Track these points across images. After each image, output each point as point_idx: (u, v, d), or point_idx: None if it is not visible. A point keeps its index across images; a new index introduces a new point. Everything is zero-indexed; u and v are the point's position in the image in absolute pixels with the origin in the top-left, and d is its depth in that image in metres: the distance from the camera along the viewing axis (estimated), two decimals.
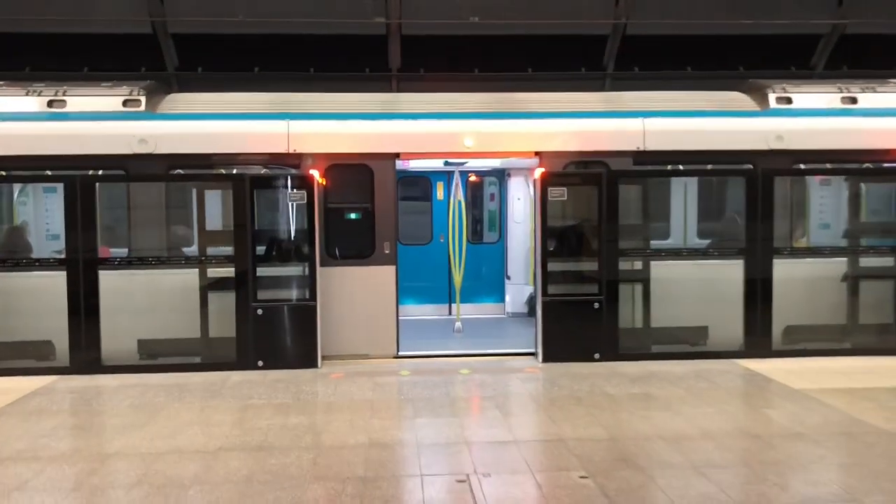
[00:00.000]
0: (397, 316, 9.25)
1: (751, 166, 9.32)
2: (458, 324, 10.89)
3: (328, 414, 6.73)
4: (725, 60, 13.73)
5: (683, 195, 10.53)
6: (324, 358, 8.76)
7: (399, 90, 13.04)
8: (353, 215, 9.30)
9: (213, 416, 6.72)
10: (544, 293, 8.72)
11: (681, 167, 9.59)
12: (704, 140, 9.34)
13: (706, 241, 10.06)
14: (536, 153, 9.24)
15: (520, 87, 12.33)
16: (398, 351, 9.21)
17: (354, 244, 9.26)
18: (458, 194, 11.27)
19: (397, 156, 9.26)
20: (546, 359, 8.71)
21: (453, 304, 11.66)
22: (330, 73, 12.99)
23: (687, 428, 6.22)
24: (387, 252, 9.16)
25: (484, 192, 13.11)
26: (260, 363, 8.47)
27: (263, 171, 9.08)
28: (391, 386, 7.74)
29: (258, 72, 13.08)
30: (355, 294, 9.08)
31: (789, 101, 9.68)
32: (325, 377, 8.16)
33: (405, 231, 11.70)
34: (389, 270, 9.19)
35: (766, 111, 9.64)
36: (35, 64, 12.36)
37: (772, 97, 9.72)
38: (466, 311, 11.79)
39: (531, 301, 11.03)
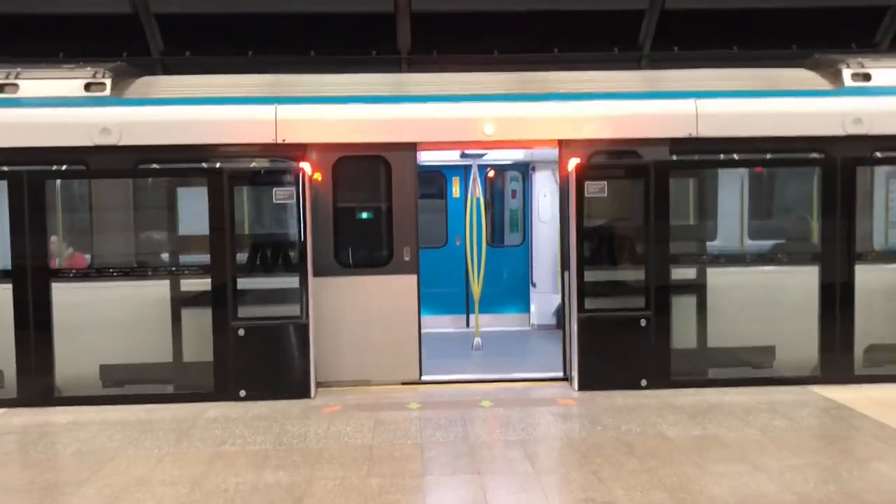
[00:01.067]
0: (419, 334, 7.85)
1: (821, 155, 7.87)
2: (476, 340, 9.49)
3: (314, 467, 5.34)
4: (775, 38, 12.22)
5: (740, 190, 9.11)
6: (324, 384, 7.49)
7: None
8: (364, 215, 8.01)
9: (172, 469, 5.36)
10: (581, 308, 7.29)
11: (735, 157, 8.12)
12: (768, 125, 7.86)
13: (769, 244, 8.63)
14: (560, 141, 7.81)
15: (544, 69, 10.90)
16: (421, 375, 7.83)
17: (369, 250, 7.97)
18: (477, 191, 9.87)
19: (416, 146, 7.87)
20: (583, 386, 7.29)
21: (471, 316, 10.27)
22: (332, 55, 11.61)
23: (776, 491, 4.78)
24: (406, 259, 7.77)
25: (506, 188, 11.71)
26: (242, 393, 7.12)
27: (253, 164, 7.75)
28: (396, 424, 6.34)
29: (252, 56, 11.73)
30: (369, 308, 7.73)
31: (867, 77, 8.17)
32: (318, 411, 6.78)
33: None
34: (410, 281, 7.79)
35: (840, 90, 8.15)
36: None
37: (846, 74, 8.21)
38: (486, 322, 10.40)
39: (559, 312, 9.62)
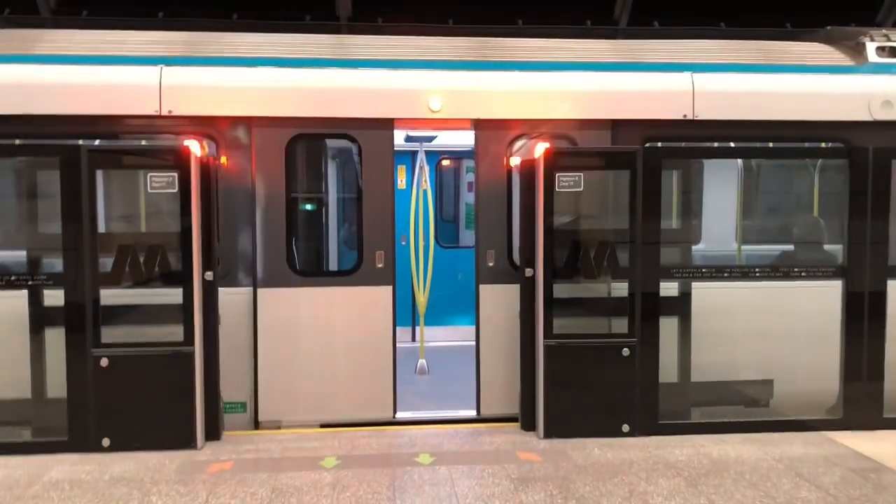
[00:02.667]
0: (394, 363, 6.21)
1: (843, 143, 6.42)
2: (421, 362, 7.90)
3: None
4: (768, 14, 10.78)
5: (739, 187, 7.68)
6: (267, 424, 6.00)
7: None
8: (308, 207, 6.55)
9: None
10: (547, 333, 5.72)
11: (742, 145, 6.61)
12: (778, 106, 6.38)
13: (769, 251, 7.21)
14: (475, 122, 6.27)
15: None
16: (395, 412, 6.25)
17: (330, 254, 6.50)
18: (425, 182, 8.27)
19: (392, 123, 6.24)
20: (550, 433, 5.73)
21: (418, 328, 8.68)
22: (258, 20, 9.83)
23: None
24: (380, 266, 6.15)
25: (461, 178, 10.13)
26: (106, 442, 5.42)
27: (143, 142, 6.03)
28: (299, 496, 4.70)
29: (163, 18, 9.90)
30: (331, 329, 6.13)
31: None
32: (201, 470, 5.10)
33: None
34: (384, 293, 6.17)
35: (862, 66, 6.70)
36: None
37: (871, 48, 6.77)
38: (436, 336, 8.85)
39: None
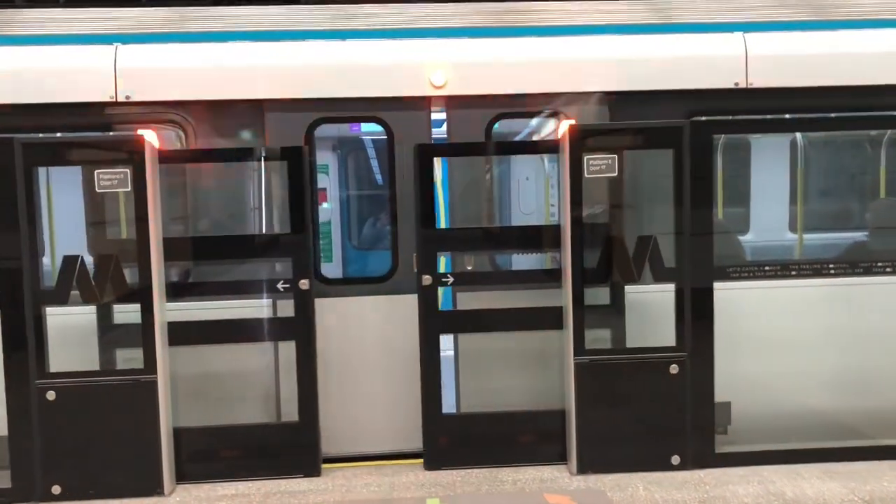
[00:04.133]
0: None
1: None
2: None
3: None
4: None
5: (798, 164, 6.69)
6: None
7: None
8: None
9: None
10: (578, 350, 4.75)
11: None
12: (850, 69, 5.33)
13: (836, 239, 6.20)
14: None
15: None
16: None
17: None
18: None
19: (429, 103, 5.28)
20: (584, 467, 4.76)
21: None
22: None
23: None
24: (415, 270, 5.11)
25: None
26: (56, 490, 4.57)
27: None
28: None
29: None
30: (363, 342, 5.25)
31: None
32: None
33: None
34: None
35: None
36: None
37: None
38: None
39: None
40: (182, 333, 4.80)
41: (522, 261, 5.90)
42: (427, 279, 4.87)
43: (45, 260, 5.27)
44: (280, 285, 4.88)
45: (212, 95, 5.11)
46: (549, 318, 4.94)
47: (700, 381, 4.78)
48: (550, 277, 4.99)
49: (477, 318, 5.03)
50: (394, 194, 5.25)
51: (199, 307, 4.95)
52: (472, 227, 5.31)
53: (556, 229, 4.95)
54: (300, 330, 4.86)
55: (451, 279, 4.98)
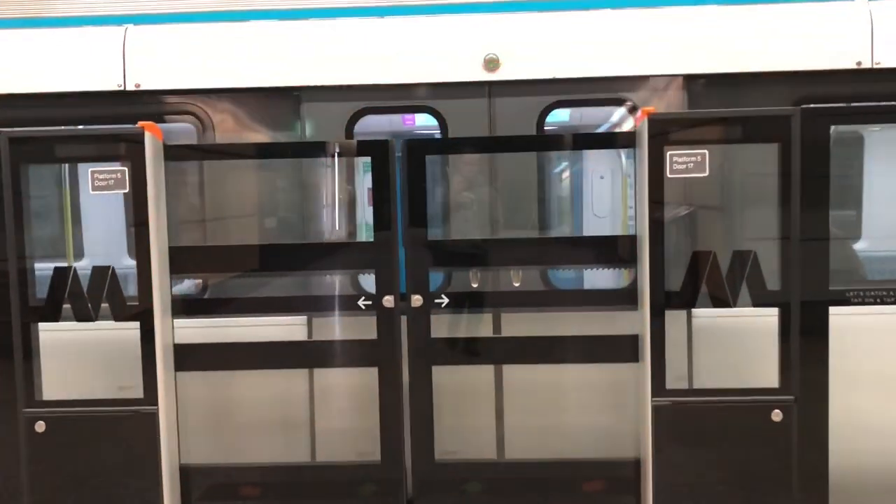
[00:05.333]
0: None
1: None
2: None
3: None
4: None
5: None
6: None
7: None
8: None
9: None
10: (657, 389, 3.87)
11: None
12: None
13: None
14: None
15: None
16: None
17: None
18: None
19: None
20: None
21: None
22: None
23: None
24: None
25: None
26: None
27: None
28: None
29: None
30: None
31: None
32: None
33: None
34: None
35: None
36: None
37: None
38: None
39: None
40: (218, 356, 4.17)
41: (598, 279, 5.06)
42: (417, 300, 4.06)
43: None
44: (361, 302, 4.16)
45: (237, 83, 4.47)
46: (612, 349, 4.09)
47: (812, 430, 3.83)
48: (609, 299, 4.14)
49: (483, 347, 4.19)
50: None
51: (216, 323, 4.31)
52: (481, 239, 4.42)
53: (623, 240, 4.09)
54: (384, 354, 4.12)
55: (445, 300, 4.13)
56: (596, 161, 7.22)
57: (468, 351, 4.16)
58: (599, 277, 5.08)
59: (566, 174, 7.11)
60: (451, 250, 4.25)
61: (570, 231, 6.73)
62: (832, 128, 3.85)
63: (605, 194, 7.23)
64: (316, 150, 4.47)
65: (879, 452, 4.29)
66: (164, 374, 3.97)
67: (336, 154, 4.39)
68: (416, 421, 4.10)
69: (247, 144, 4.44)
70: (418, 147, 4.08)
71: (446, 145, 4.39)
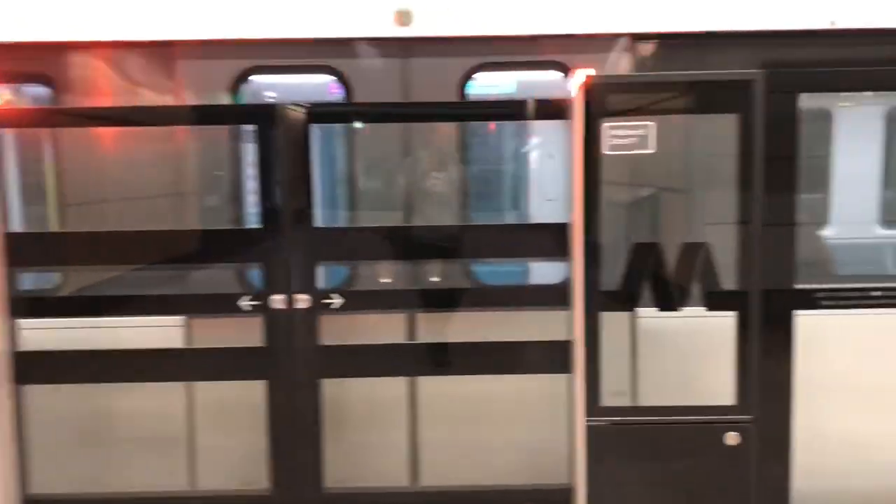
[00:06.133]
0: None
1: None
2: None
3: None
4: None
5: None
6: None
7: None
8: None
9: None
10: (591, 407, 3.23)
11: None
12: None
13: None
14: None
15: None
16: None
17: None
18: None
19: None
20: None
21: None
22: None
23: None
24: None
25: None
26: None
27: None
28: None
29: None
30: None
31: None
32: None
33: None
34: None
35: None
36: None
37: None
38: None
39: None
40: (72, 366, 3.46)
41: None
42: (302, 300, 3.40)
43: None
44: (244, 302, 3.43)
45: (95, 35, 3.71)
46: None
47: (774, 455, 3.24)
48: (543, 297, 3.50)
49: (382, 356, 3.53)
50: None
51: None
52: (383, 227, 3.72)
53: (555, 229, 3.43)
54: (273, 365, 3.41)
55: (337, 300, 3.46)
56: (545, 136, 6.55)
57: (367, 361, 3.48)
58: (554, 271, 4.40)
59: (510, 151, 6.45)
60: (346, 240, 3.56)
61: (516, 218, 6.09)
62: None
63: (558, 175, 6.56)
64: (180, 116, 3.73)
65: (847, 473, 3.72)
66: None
67: (217, 121, 3.68)
68: (304, 443, 3.43)
69: (103, 108, 3.69)
70: (309, 115, 3.38)
71: (331, 113, 3.66)
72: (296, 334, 3.35)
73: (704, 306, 3.27)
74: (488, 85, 5.03)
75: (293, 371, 3.35)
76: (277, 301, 3.33)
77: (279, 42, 3.69)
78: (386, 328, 3.71)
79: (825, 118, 6.09)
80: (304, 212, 3.34)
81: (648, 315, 3.50)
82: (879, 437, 3.62)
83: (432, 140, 3.93)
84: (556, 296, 3.46)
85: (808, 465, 3.37)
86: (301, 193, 3.32)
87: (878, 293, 3.30)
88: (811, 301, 3.26)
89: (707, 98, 3.24)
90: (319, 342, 3.39)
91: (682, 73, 3.28)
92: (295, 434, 3.40)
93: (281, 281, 3.34)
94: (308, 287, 3.34)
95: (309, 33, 3.67)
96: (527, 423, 3.74)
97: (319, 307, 3.36)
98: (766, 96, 3.15)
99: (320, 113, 3.39)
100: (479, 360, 3.45)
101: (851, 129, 6.05)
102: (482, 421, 3.79)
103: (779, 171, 3.21)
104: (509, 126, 6.12)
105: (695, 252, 3.22)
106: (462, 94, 3.73)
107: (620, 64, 3.81)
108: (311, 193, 3.32)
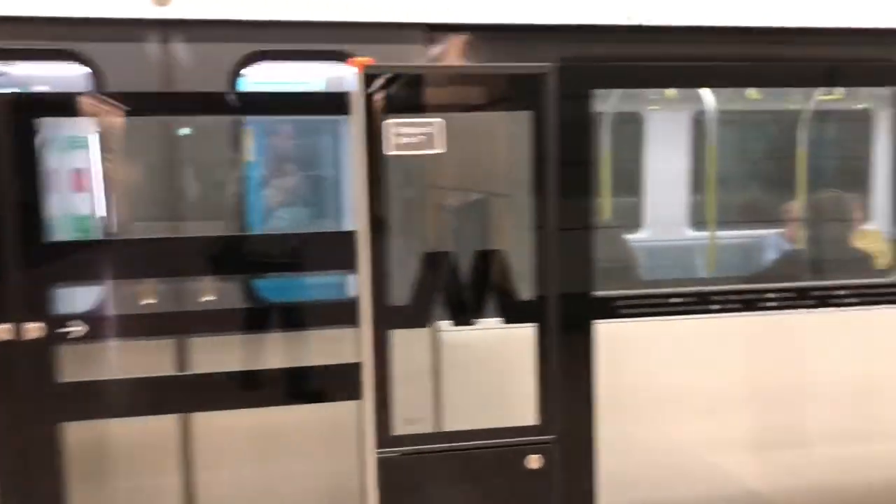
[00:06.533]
0: None
1: None
2: None
3: None
4: None
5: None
6: None
7: None
8: None
9: None
10: (382, 437, 2.87)
11: None
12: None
13: None
14: None
15: None
16: None
17: None
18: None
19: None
20: None
21: None
22: None
23: None
24: None
25: None
26: None
27: None
28: None
29: None
30: None
31: None
32: None
33: None
34: None
35: None
36: None
37: None
38: None
39: None
40: None
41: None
42: (33, 329, 2.85)
43: None
44: None
45: None
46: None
47: (579, 478, 3.02)
48: (332, 316, 3.13)
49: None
50: None
51: None
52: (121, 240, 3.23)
53: (340, 238, 3.06)
54: None
55: (77, 328, 2.92)
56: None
57: (119, 398, 2.95)
58: None
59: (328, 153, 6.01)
60: (90, 257, 3.01)
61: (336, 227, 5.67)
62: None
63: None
64: None
65: (654, 483, 3.59)
66: None
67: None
68: (40, 499, 2.85)
69: None
70: (22, 104, 2.80)
71: (55, 104, 3.08)
72: (24, 371, 2.76)
73: (502, 318, 3.01)
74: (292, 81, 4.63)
75: (21, 415, 2.77)
76: (1, 331, 2.74)
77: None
78: (151, 359, 3.19)
79: (637, 121, 6.16)
80: (33, 223, 2.76)
81: (448, 330, 3.21)
82: (684, 444, 3.51)
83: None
84: (347, 313, 3.08)
85: (613, 478, 3.19)
86: (28, 200, 2.75)
87: (678, 300, 3.17)
88: (609, 309, 3.08)
89: (497, 93, 2.97)
90: (58, 379, 2.83)
91: (469, 66, 3.01)
92: (29, 488, 2.82)
93: (5, 307, 2.75)
94: (40, 313, 2.77)
95: (45, 11, 3.09)
96: (318, 456, 3.33)
97: (56, 337, 2.80)
98: (559, 93, 2.93)
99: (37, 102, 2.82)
100: (255, 391, 3.01)
101: (661, 133, 6.14)
102: (267, 456, 3.34)
103: (575, 172, 3.00)
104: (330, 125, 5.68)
105: (489, 260, 2.94)
106: (232, 87, 3.28)
107: (416, 59, 3.50)
108: (41, 200, 2.76)
